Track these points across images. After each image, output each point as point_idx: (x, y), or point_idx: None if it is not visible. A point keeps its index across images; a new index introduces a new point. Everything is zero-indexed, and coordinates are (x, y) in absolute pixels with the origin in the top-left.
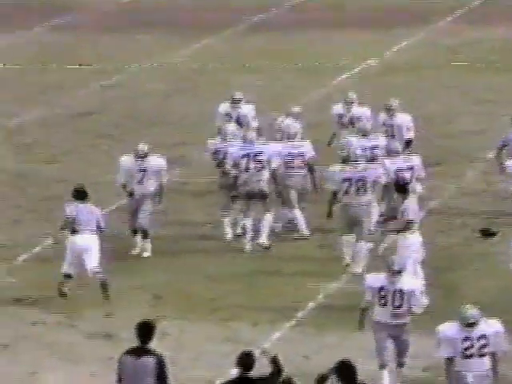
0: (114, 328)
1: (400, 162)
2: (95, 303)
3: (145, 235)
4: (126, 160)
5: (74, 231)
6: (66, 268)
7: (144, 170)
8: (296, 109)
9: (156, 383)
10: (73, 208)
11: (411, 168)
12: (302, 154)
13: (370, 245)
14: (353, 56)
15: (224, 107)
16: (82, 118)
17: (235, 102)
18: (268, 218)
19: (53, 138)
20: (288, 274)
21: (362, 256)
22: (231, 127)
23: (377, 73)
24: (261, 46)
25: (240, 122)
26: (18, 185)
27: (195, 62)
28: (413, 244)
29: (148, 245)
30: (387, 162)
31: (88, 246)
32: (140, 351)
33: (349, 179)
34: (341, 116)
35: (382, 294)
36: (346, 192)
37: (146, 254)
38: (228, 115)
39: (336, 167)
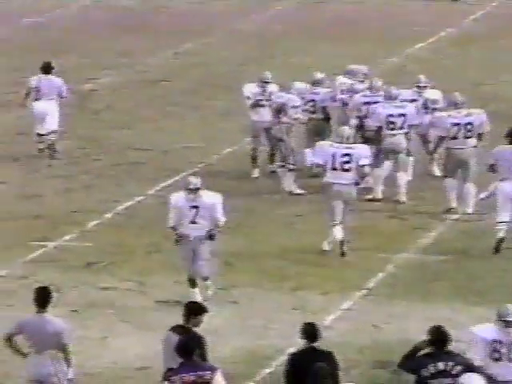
0: (183, 295)
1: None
2: (165, 270)
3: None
4: (176, 199)
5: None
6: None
7: (196, 207)
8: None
9: None
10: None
11: None
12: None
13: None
14: (427, 24)
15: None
16: (155, 84)
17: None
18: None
19: (125, 105)
20: (359, 244)
21: (470, 196)
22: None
23: (452, 43)
24: (336, 14)
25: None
26: (90, 151)
27: (270, 28)
28: None
29: (209, 283)
30: None
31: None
32: (183, 329)
33: (457, 124)
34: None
35: (496, 347)
36: (455, 137)
37: (210, 293)
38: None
39: (443, 113)
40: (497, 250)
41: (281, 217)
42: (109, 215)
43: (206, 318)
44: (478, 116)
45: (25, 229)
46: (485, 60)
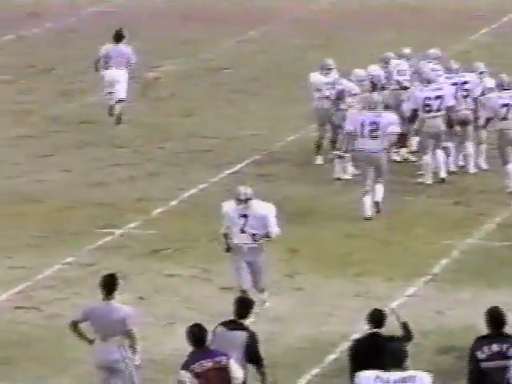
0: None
1: None
2: (228, 257)
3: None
4: (227, 206)
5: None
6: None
7: (245, 216)
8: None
9: (245, 358)
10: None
11: None
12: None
13: None
14: (491, 10)
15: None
16: (218, 72)
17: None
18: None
19: (189, 92)
20: (423, 230)
21: None
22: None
23: None
24: (398, 1)
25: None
26: (155, 138)
27: (328, 16)
28: None
29: (266, 296)
30: None
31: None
32: (234, 324)
33: (506, 105)
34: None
35: None
36: (504, 118)
37: (267, 304)
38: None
39: (493, 94)
40: None
41: (344, 203)
42: (174, 203)
43: (271, 304)
44: None
45: (90, 216)
46: None
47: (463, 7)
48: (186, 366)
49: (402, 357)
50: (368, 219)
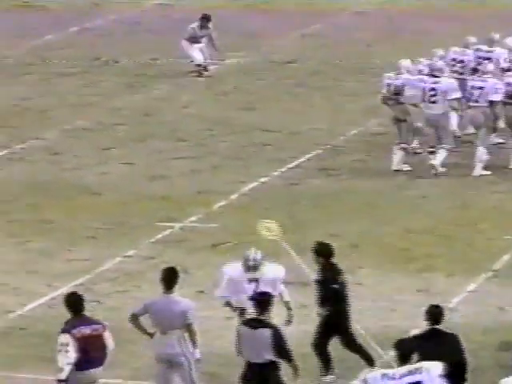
0: (309, 276)
1: None
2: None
3: None
4: (232, 270)
5: None
6: None
7: (256, 281)
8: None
9: (274, 354)
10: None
11: None
12: None
13: None
14: None
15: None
16: (282, 66)
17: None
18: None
19: (252, 86)
20: (485, 226)
21: None
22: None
23: None
24: None
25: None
26: (217, 132)
27: (395, 9)
28: None
29: None
30: None
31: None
32: (255, 322)
33: None
34: None
35: None
36: None
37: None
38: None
39: None
40: None
41: (406, 198)
42: (234, 196)
43: None
44: None
45: (151, 210)
46: None
47: None
48: (66, 331)
49: (460, 351)
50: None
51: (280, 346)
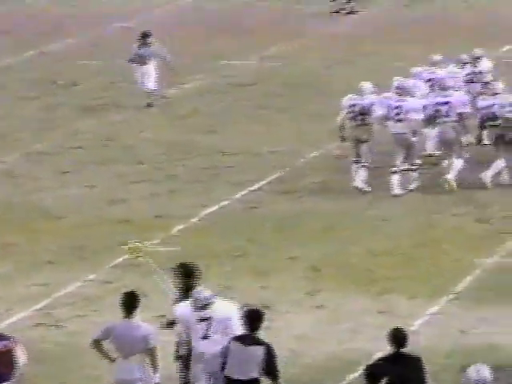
0: (270, 300)
1: None
2: (251, 274)
3: None
4: (182, 309)
5: None
6: None
7: (207, 320)
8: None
9: (263, 372)
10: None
11: None
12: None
13: None
14: None
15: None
16: (241, 88)
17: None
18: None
19: (212, 108)
20: (447, 248)
21: None
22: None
23: None
24: (423, 14)
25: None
26: (177, 155)
27: (357, 31)
28: None
29: None
30: None
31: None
32: (248, 339)
33: None
34: None
35: None
36: None
37: None
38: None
39: None
40: None
41: (368, 219)
42: (194, 220)
43: (293, 323)
44: None
45: (111, 233)
46: None
47: (490, 19)
48: None
49: (424, 375)
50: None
51: (271, 363)
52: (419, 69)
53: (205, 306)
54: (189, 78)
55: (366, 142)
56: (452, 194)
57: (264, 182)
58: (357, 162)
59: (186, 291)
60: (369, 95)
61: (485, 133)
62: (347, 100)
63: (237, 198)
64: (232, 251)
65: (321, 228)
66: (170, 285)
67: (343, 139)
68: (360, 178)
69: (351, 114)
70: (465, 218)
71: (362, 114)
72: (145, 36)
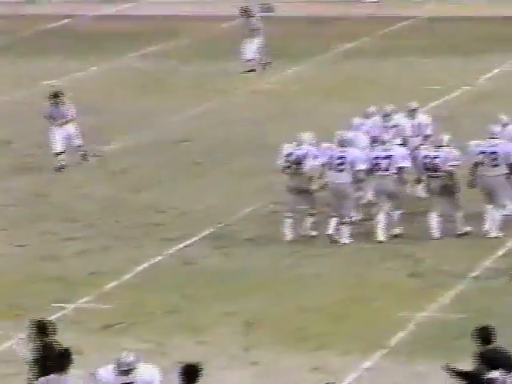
0: (205, 355)
1: None
2: (185, 331)
3: None
4: (105, 373)
5: None
6: None
7: None
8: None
9: None
10: None
11: None
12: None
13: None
14: (444, 82)
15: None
16: (175, 144)
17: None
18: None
19: (145, 165)
20: (380, 303)
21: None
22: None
23: (469, 100)
24: (351, 72)
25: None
26: (109, 212)
27: (287, 88)
28: None
29: None
30: None
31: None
32: None
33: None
34: None
35: None
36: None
37: None
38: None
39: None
40: None
41: (300, 276)
42: (127, 276)
43: (228, 379)
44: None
45: (44, 291)
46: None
47: (416, 79)
48: None
49: None
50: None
51: None
52: (359, 121)
53: (128, 371)
54: (122, 136)
55: (305, 191)
56: (384, 248)
57: (197, 238)
58: (295, 212)
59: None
60: (306, 145)
61: (420, 186)
62: (285, 149)
63: (170, 254)
64: (166, 307)
65: (254, 284)
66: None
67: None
68: (305, 226)
69: (287, 163)
70: (397, 273)
71: (296, 164)
72: (55, 96)
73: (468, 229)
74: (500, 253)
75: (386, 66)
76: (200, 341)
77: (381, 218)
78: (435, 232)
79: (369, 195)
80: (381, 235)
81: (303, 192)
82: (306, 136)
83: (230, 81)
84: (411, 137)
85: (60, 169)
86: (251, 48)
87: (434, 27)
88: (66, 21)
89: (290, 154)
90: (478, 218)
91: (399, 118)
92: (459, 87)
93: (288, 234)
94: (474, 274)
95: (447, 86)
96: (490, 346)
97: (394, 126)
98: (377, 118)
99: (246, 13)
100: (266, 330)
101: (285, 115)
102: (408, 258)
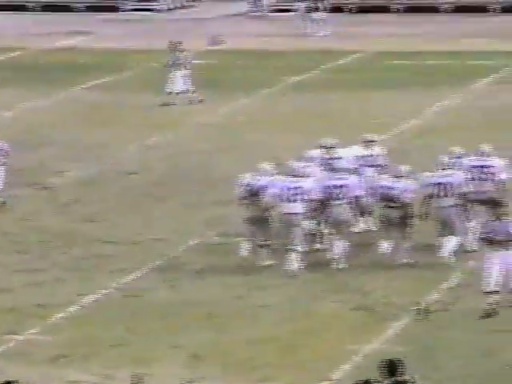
0: None
1: None
2: (133, 363)
3: None
4: None
5: None
6: None
7: None
8: None
9: None
10: None
11: None
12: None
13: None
14: (391, 116)
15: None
16: (123, 177)
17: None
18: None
19: (94, 197)
20: (324, 335)
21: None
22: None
23: (416, 133)
24: (299, 105)
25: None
26: (58, 244)
27: (236, 120)
28: None
29: None
30: None
31: None
32: None
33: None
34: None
35: None
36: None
37: None
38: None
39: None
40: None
41: (247, 307)
42: (75, 308)
43: None
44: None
45: None
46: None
47: (364, 112)
48: None
49: None
50: None
51: None
52: (313, 152)
53: None
54: (71, 167)
55: (262, 221)
56: (333, 281)
57: (145, 270)
58: (252, 241)
59: None
60: (265, 177)
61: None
62: (244, 179)
63: (117, 286)
64: (113, 340)
65: (201, 316)
66: None
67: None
68: (261, 256)
69: (246, 194)
70: (345, 305)
71: (254, 195)
72: None
73: (410, 260)
74: (446, 286)
75: (334, 98)
76: (147, 374)
77: (336, 247)
78: (387, 253)
79: (322, 225)
80: (338, 263)
81: (260, 222)
82: (265, 167)
83: (178, 113)
84: (365, 167)
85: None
86: (178, 81)
87: (381, 61)
88: (17, 53)
89: (248, 185)
90: (425, 249)
91: (343, 151)
92: (406, 120)
93: (245, 252)
94: (420, 307)
95: (394, 120)
96: (398, 379)
97: (338, 159)
98: (318, 151)
99: (173, 46)
100: (214, 362)
101: (232, 147)
102: (356, 290)
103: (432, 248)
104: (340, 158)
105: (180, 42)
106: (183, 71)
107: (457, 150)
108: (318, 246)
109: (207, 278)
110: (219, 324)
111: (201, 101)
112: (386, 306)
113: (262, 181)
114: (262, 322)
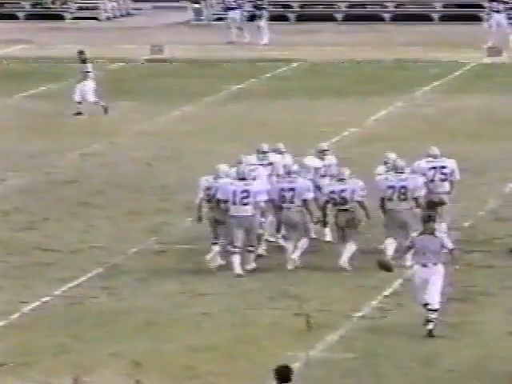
0: None
1: None
2: (74, 370)
3: None
4: None
5: None
6: None
7: None
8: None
9: None
10: None
11: None
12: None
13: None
14: (332, 124)
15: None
16: (62, 185)
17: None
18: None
19: (33, 206)
20: (266, 343)
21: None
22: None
23: (356, 142)
24: (239, 113)
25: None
26: None
27: (176, 129)
28: None
29: None
30: None
31: None
32: None
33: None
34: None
35: None
36: (390, 199)
37: None
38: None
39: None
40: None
41: (187, 316)
42: (15, 316)
43: None
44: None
45: None
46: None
47: (306, 120)
48: None
49: None
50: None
51: None
52: (261, 155)
53: None
54: (10, 175)
55: (222, 223)
56: (273, 288)
57: (84, 278)
58: (215, 244)
59: None
60: (222, 178)
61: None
62: (204, 182)
63: (57, 294)
64: (53, 348)
65: (141, 324)
66: None
67: (200, 219)
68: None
69: (207, 197)
70: (285, 312)
71: (214, 197)
72: None
73: (349, 268)
74: (386, 292)
75: (274, 107)
76: (87, 381)
77: (288, 248)
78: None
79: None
80: (290, 264)
81: (221, 223)
82: (223, 168)
83: (117, 122)
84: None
85: None
86: (87, 91)
87: (321, 70)
88: None
89: (209, 188)
90: (367, 255)
91: (274, 156)
92: (346, 129)
93: (213, 261)
94: (360, 314)
95: (334, 128)
96: None
97: (270, 164)
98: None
99: (81, 56)
100: (154, 370)
101: (172, 156)
102: (296, 297)
103: (374, 253)
104: (267, 164)
105: (82, 51)
106: (89, 81)
107: (392, 155)
108: (260, 251)
109: (148, 286)
110: (160, 332)
111: (106, 111)
112: (325, 313)
113: (220, 183)
114: (203, 330)
